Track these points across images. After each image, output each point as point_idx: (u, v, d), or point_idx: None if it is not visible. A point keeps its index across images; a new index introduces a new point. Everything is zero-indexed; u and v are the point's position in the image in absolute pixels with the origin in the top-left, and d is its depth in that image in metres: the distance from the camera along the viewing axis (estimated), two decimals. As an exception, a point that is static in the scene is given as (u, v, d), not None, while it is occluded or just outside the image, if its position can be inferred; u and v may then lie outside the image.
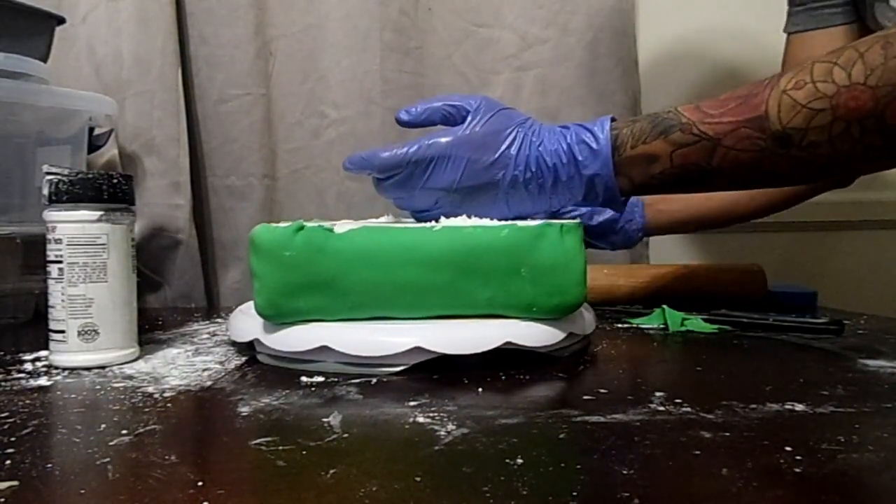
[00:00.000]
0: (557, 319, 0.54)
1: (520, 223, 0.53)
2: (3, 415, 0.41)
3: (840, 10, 0.77)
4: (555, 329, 0.54)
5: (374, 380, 0.49)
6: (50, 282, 0.53)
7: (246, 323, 0.56)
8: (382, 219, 0.66)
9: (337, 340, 0.50)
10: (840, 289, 1.05)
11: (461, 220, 0.57)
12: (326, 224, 0.53)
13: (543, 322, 0.54)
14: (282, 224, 0.53)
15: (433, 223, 0.55)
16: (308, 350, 0.51)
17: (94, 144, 0.85)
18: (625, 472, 0.32)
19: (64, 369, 0.52)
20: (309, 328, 0.52)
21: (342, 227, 0.53)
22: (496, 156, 0.56)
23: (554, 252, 0.52)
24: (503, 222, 0.54)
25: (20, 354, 0.57)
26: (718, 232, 1.07)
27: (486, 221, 0.55)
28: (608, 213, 0.79)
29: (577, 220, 0.55)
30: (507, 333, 0.51)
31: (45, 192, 0.52)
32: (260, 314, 0.53)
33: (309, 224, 0.52)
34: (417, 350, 0.50)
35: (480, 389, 0.46)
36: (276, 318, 0.53)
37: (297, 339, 0.52)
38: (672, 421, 0.39)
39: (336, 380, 0.49)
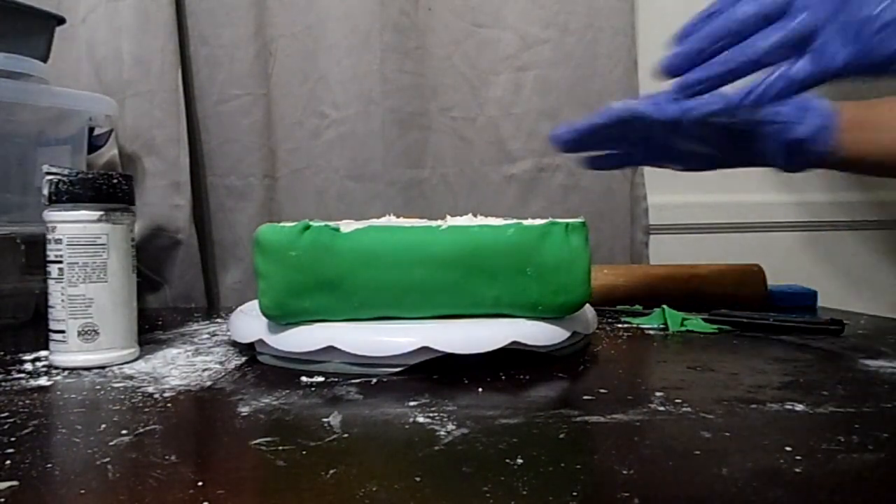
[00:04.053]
0: (562, 318, 0.54)
1: (525, 222, 0.53)
2: (3, 415, 0.41)
3: None
4: (559, 328, 0.54)
5: (374, 380, 0.49)
6: (50, 282, 0.53)
7: (249, 323, 0.56)
8: (383, 219, 0.66)
9: (344, 340, 0.50)
10: (840, 289, 1.05)
11: (467, 220, 0.57)
12: (332, 223, 0.53)
13: (548, 321, 0.54)
14: (287, 224, 0.53)
15: (439, 222, 0.55)
16: (314, 350, 0.51)
17: (94, 144, 0.85)
18: (625, 472, 0.32)
19: (64, 369, 0.52)
20: (315, 328, 0.52)
21: (348, 226, 0.53)
22: None
23: (559, 251, 0.52)
24: (509, 221, 0.54)
25: (20, 354, 0.57)
26: (718, 232, 1.07)
27: (492, 220, 0.55)
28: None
29: (582, 219, 0.55)
30: (514, 332, 0.51)
31: (45, 192, 0.52)
32: (265, 315, 0.53)
33: (315, 223, 0.52)
34: (424, 350, 0.50)
35: (480, 389, 0.46)
36: (281, 318, 0.53)
37: (302, 339, 0.52)
38: (672, 421, 0.39)
39: (336, 380, 0.49)
